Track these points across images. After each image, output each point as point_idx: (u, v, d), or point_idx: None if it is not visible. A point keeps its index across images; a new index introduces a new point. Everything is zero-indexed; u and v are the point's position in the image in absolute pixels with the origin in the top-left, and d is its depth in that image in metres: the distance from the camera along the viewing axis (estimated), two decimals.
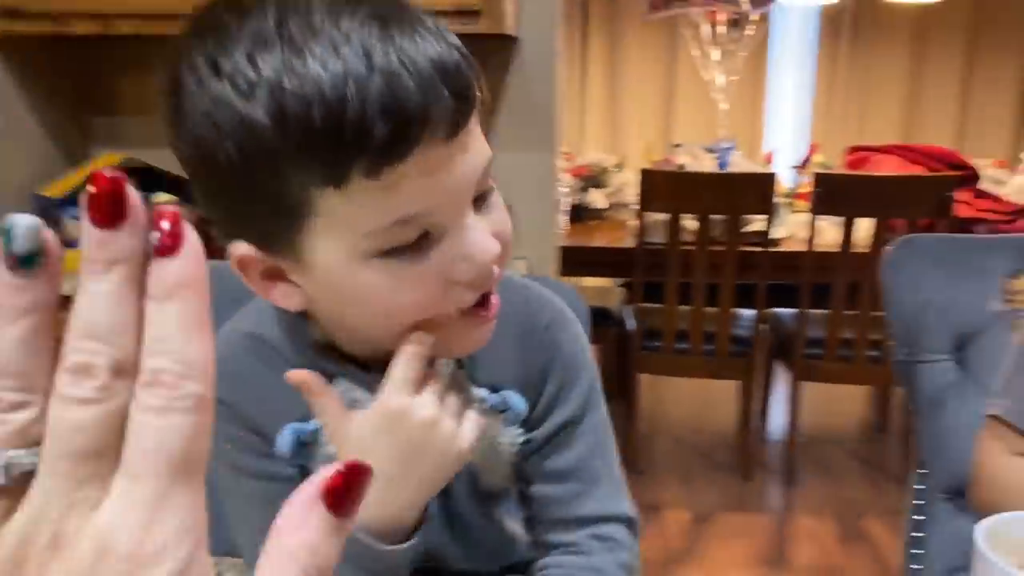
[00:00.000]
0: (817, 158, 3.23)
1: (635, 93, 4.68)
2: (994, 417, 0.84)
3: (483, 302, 0.60)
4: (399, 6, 0.53)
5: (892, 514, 2.62)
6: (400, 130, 0.50)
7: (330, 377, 0.65)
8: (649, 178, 2.48)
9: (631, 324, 2.76)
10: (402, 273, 0.56)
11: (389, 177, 0.51)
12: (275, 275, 0.60)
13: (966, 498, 0.91)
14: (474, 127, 0.56)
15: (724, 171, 2.91)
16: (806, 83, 5.05)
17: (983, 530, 0.59)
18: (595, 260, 2.92)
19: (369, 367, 0.66)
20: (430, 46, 0.51)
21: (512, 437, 0.71)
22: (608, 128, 4.72)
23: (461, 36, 0.56)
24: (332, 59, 0.49)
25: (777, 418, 3.22)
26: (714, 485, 2.83)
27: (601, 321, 3.07)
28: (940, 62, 4.80)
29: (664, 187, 2.49)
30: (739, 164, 2.98)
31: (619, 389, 2.78)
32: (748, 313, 2.68)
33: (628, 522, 0.75)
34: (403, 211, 0.54)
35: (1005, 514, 0.61)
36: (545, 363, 0.73)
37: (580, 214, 3.25)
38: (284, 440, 0.67)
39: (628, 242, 2.73)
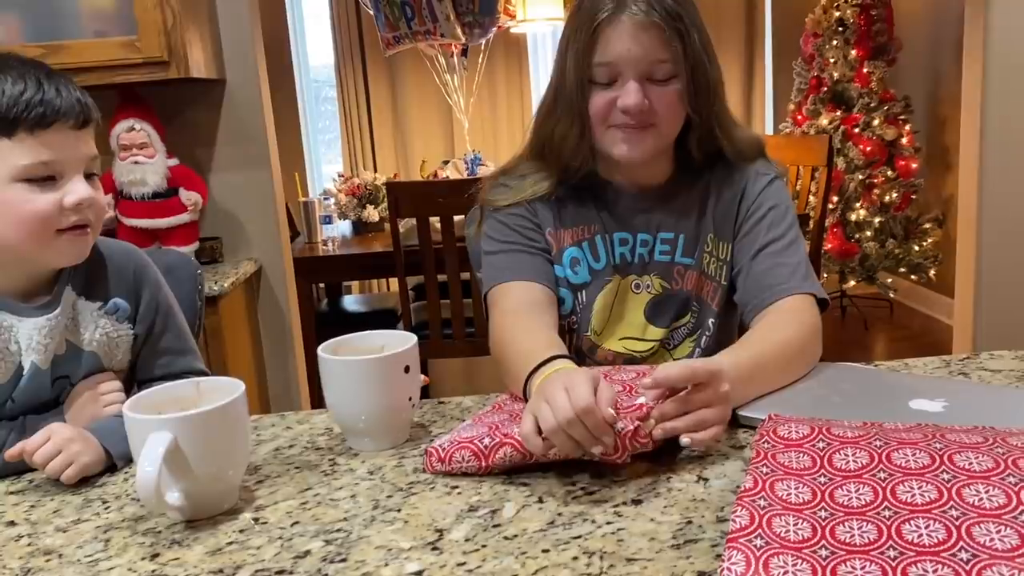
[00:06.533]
0: None
1: (416, 117, 5.11)
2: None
3: (81, 229, 1.02)
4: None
5: None
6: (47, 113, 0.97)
7: None
8: (393, 190, 2.90)
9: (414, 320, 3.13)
10: (30, 195, 0.98)
11: (41, 136, 0.97)
12: None
13: None
14: (89, 134, 1.02)
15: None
16: None
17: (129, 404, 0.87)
18: (371, 264, 3.32)
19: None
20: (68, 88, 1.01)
21: (126, 331, 1.12)
22: (398, 150, 5.14)
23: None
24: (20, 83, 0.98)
25: None
26: None
27: (388, 320, 3.49)
28: None
29: (408, 196, 2.89)
30: (485, 172, 3.47)
31: None
32: None
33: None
34: (43, 157, 0.97)
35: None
36: (137, 288, 1.14)
37: (359, 228, 3.67)
38: None
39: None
